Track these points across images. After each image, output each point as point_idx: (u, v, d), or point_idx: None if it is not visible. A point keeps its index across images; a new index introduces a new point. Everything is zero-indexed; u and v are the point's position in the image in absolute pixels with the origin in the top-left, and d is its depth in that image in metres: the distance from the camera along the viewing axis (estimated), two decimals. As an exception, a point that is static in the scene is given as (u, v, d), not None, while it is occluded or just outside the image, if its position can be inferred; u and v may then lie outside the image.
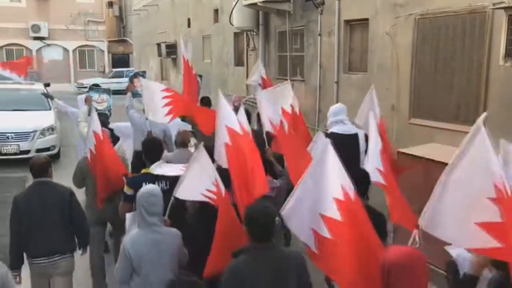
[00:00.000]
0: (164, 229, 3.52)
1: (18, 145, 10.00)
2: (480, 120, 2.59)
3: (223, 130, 4.20)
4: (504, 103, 5.39)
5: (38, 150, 10.31)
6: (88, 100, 8.25)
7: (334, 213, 2.84)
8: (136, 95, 8.33)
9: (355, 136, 5.03)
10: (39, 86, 13.52)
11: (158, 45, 19.53)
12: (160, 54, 19.68)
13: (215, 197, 3.65)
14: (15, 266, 4.06)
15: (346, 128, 5.32)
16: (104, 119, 6.65)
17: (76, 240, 4.36)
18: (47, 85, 15.13)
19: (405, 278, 2.46)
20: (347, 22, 8.12)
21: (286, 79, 9.95)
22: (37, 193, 4.22)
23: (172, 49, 18.73)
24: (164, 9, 19.97)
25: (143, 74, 9.12)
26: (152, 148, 4.55)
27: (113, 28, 32.53)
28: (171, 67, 19.37)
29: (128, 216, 4.07)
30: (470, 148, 2.60)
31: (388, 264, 2.50)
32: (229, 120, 4.22)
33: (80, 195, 5.02)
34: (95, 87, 9.20)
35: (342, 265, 2.72)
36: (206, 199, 3.66)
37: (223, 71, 13.74)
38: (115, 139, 6.28)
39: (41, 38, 31.35)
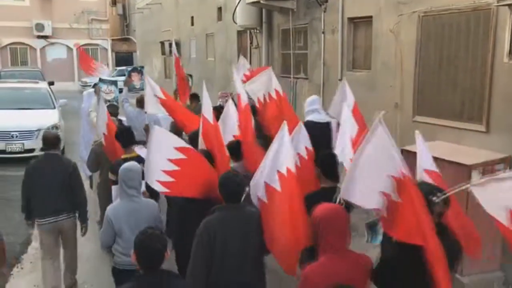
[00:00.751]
0: (142, 200, 4.20)
1: (23, 143, 10.05)
2: (380, 116, 3.22)
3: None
4: (509, 100, 5.37)
5: (42, 149, 10.36)
6: (97, 90, 9.12)
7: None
8: (132, 89, 9.22)
9: (327, 125, 5.43)
10: (43, 85, 13.57)
11: (162, 43, 19.57)
12: (163, 53, 19.71)
13: (177, 168, 3.98)
14: (28, 218, 5.21)
15: (320, 117, 5.83)
16: (112, 110, 7.08)
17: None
18: (51, 83, 15.20)
19: (331, 228, 2.95)
20: (351, 19, 8.11)
21: (290, 77, 9.97)
22: (46, 163, 5.09)
23: (175, 47, 18.73)
24: (167, 7, 19.99)
25: (141, 69, 9.79)
26: (122, 135, 5.39)
27: (117, 26, 32.60)
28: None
29: (114, 188, 4.77)
30: (372, 139, 3.23)
31: (317, 218, 3.02)
32: (205, 109, 4.83)
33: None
34: (103, 79, 9.94)
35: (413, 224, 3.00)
36: (168, 177, 3.96)
37: (226, 69, 13.73)
38: None
39: (45, 37, 31.42)
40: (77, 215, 5.20)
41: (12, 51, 31.37)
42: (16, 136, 10.12)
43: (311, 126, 4.91)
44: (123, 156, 5.17)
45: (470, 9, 5.75)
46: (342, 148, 4.32)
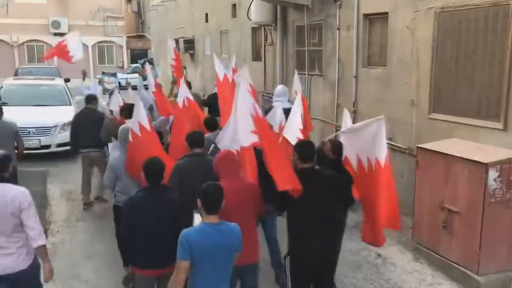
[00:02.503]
0: None
1: (39, 140, 10.17)
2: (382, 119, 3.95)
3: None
4: (527, 97, 5.30)
5: (58, 145, 10.49)
6: (101, 81, 12.60)
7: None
8: (145, 78, 10.58)
9: (289, 110, 5.90)
10: (59, 82, 13.71)
11: (176, 40, 19.61)
12: (178, 50, 19.75)
13: (130, 139, 5.05)
14: (74, 151, 8.38)
15: (284, 105, 6.86)
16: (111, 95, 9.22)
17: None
18: (67, 80, 15.34)
19: (225, 165, 4.20)
20: (366, 16, 8.04)
21: (304, 74, 9.94)
22: (87, 113, 8.08)
23: (190, 44, 18.79)
24: (182, 4, 20.04)
25: (151, 62, 13.35)
26: (127, 110, 6.54)
27: (132, 23, 32.79)
28: (189, 62, 19.44)
29: (110, 145, 6.37)
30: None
31: (217, 159, 4.29)
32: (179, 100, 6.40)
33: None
34: (106, 72, 12.94)
35: None
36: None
37: (240, 66, 13.72)
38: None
39: (61, 34, 31.67)
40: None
41: (29, 48, 31.74)
42: (33, 133, 10.23)
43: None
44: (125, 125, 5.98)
45: (489, 5, 5.67)
46: (291, 128, 5.42)
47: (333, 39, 8.92)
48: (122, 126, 5.63)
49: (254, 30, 12.83)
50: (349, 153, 4.28)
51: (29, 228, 3.83)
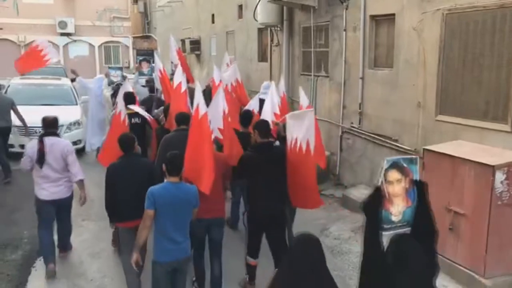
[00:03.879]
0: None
1: (46, 139, 10.16)
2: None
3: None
4: (535, 100, 5.26)
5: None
6: (107, 74, 12.97)
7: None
8: (142, 74, 12.71)
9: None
10: (66, 81, 13.75)
11: (183, 41, 19.63)
12: (184, 50, 19.76)
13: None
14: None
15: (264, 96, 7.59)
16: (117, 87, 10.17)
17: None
18: (73, 80, 15.37)
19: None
20: (373, 17, 8.02)
21: (310, 75, 9.93)
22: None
23: (196, 45, 18.80)
24: (188, 5, 20.06)
25: (150, 60, 13.78)
26: (127, 98, 7.31)
27: (138, 24, 32.81)
28: (195, 63, 19.46)
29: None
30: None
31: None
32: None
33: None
34: (112, 67, 14.16)
35: None
36: None
37: (246, 67, 13.73)
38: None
39: (67, 34, 31.83)
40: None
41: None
42: (39, 132, 10.21)
43: (262, 102, 7.26)
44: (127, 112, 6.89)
45: (497, 6, 5.64)
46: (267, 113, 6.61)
47: (340, 40, 8.91)
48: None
49: (260, 31, 12.84)
50: (289, 134, 5.10)
51: (72, 168, 5.73)
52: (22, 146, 10.49)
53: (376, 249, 3.05)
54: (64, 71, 20.15)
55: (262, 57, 13.03)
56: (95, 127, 9.34)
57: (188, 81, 9.15)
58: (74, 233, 6.81)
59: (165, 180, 4.31)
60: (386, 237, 3.09)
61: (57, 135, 5.91)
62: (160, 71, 9.35)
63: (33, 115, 10.38)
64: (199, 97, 5.06)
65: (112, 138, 5.61)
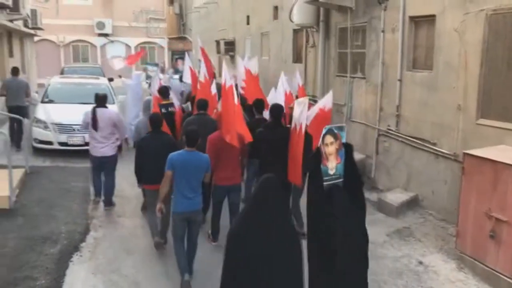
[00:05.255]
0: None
1: (84, 136, 10.37)
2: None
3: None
4: None
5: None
6: (145, 70, 17.18)
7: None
8: (177, 72, 14.17)
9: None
10: (103, 81, 14.03)
11: (217, 42, 19.77)
12: (218, 51, 19.91)
13: None
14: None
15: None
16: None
17: None
18: (110, 80, 15.69)
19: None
20: (412, 18, 7.86)
21: (346, 76, 9.82)
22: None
23: (230, 46, 18.90)
24: (223, 6, 20.19)
25: (183, 58, 14.13)
26: (163, 90, 8.65)
27: (174, 25, 33.22)
28: (229, 64, 19.55)
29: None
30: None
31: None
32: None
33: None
34: (149, 63, 16.77)
35: None
36: None
37: (281, 68, 13.68)
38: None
39: (105, 35, 32.53)
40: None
41: (75, 48, 32.68)
42: (78, 130, 10.47)
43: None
44: (163, 102, 8.32)
45: (544, 7, 5.44)
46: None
47: (377, 41, 8.77)
48: (146, 99, 8.74)
49: (296, 32, 12.78)
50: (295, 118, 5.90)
51: (119, 130, 7.69)
52: (61, 144, 10.78)
53: (320, 193, 3.95)
54: (101, 70, 20.61)
55: (297, 58, 12.97)
56: (133, 118, 9.60)
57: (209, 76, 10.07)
58: (109, 229, 6.93)
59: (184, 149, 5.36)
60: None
61: (105, 107, 7.63)
62: (190, 68, 10.71)
63: (72, 113, 10.67)
64: (225, 74, 6.25)
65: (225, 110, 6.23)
